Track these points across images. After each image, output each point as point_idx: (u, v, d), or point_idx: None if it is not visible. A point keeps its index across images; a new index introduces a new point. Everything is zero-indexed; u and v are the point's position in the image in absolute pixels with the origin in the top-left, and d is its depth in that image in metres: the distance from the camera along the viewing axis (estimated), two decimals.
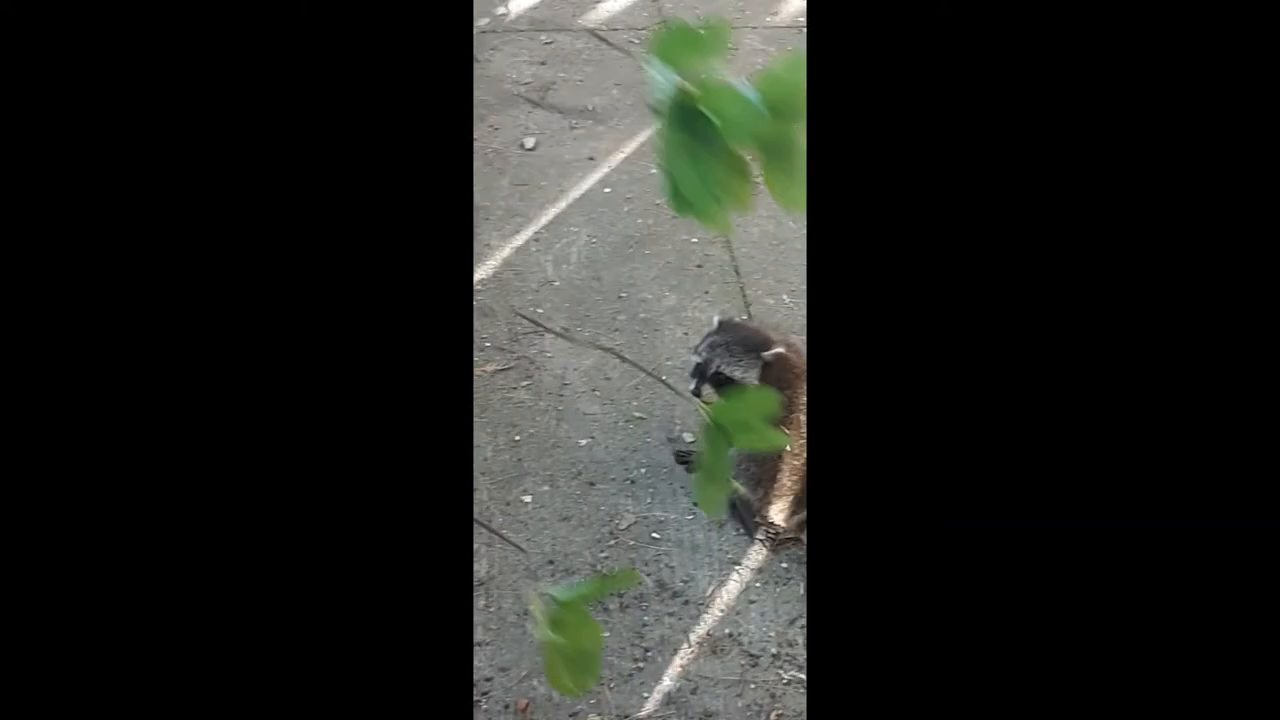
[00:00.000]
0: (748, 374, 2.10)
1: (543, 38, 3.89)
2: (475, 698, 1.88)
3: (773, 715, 1.87)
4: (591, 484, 2.30)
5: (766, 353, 2.08)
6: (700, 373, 2.15)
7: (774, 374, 2.08)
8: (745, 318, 2.65)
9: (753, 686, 1.91)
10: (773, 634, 2.00)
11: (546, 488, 2.29)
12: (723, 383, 2.13)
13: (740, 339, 2.13)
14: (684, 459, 2.34)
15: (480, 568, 2.11)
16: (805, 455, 2.05)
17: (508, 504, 2.25)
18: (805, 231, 0.89)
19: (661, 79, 0.77)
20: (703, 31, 0.77)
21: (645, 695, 1.90)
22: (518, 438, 2.40)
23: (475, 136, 3.37)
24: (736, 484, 2.14)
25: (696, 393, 2.17)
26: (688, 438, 2.40)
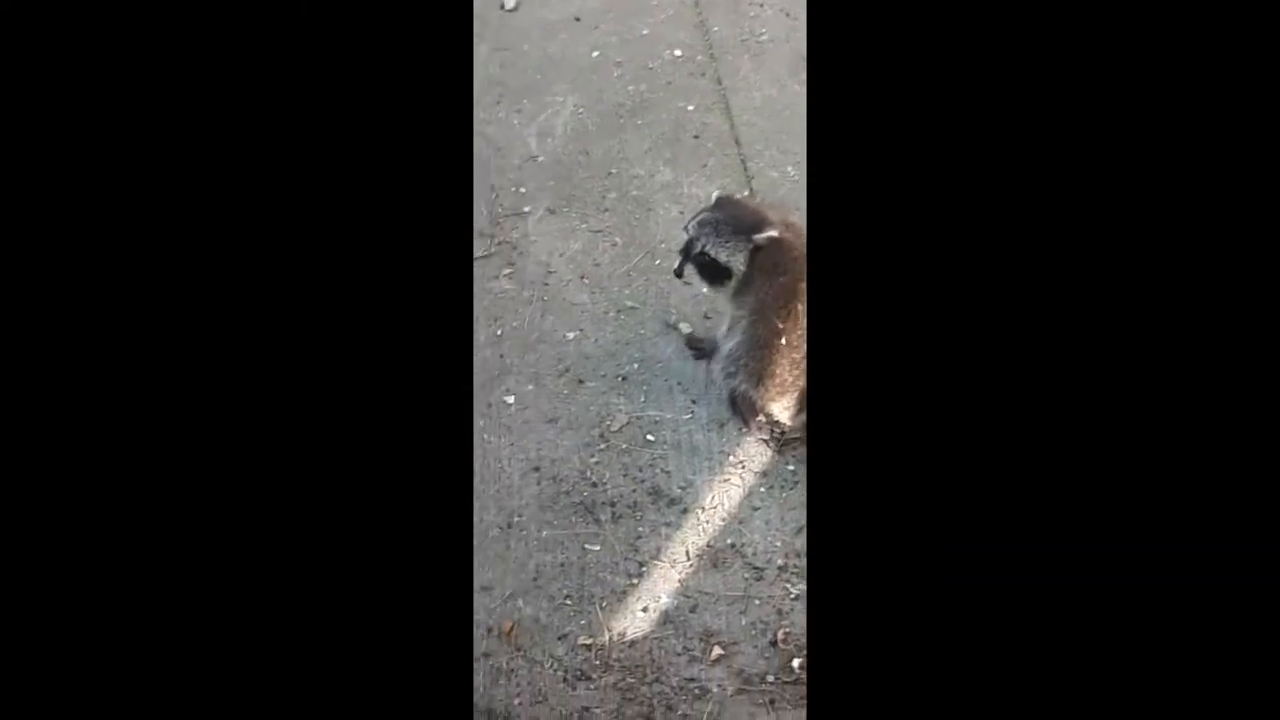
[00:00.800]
0: (734, 258, 1.89)
1: None
2: None
3: (779, 632, 1.71)
4: (580, 381, 2.11)
5: (759, 235, 1.86)
6: (686, 251, 1.94)
7: (766, 259, 1.87)
8: (747, 194, 2.42)
9: (757, 602, 1.75)
10: (778, 544, 1.83)
11: (531, 387, 2.10)
12: (707, 265, 1.92)
13: (732, 218, 1.91)
14: (696, 345, 2.15)
15: None
16: (806, 348, 1.85)
17: (489, 405, 2.06)
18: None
19: None
20: None
21: (640, 613, 1.74)
22: (499, 332, 2.20)
23: None
24: (735, 380, 1.96)
25: (679, 273, 1.97)
26: (685, 328, 2.19)
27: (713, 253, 1.91)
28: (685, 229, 1.96)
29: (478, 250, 2.37)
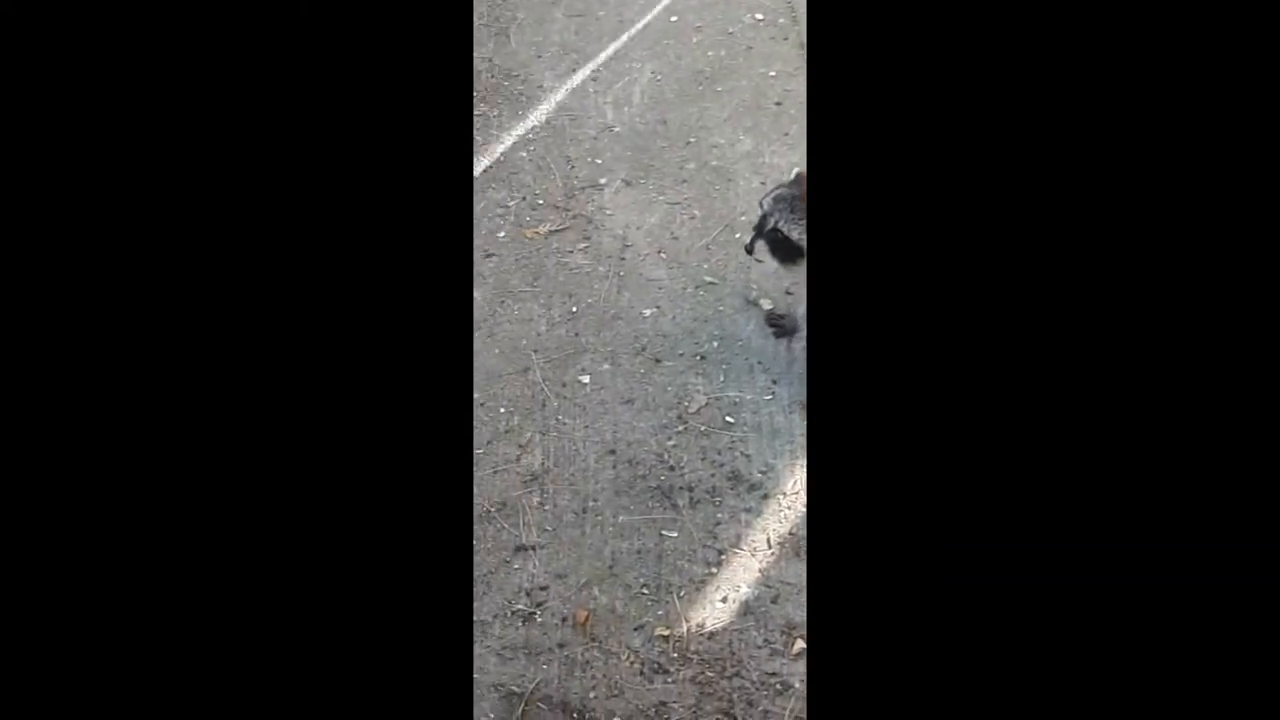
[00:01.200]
0: (806, 237, 1.81)
1: None
2: (529, 609, 1.68)
3: None
4: (657, 361, 2.04)
5: None
6: (759, 228, 1.86)
7: None
8: None
9: None
10: None
11: (607, 366, 2.04)
12: (780, 243, 1.84)
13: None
14: (776, 323, 2.07)
15: (534, 460, 1.89)
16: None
17: (563, 385, 2.01)
18: None
19: None
20: None
21: (720, 604, 1.68)
22: (574, 309, 2.14)
23: None
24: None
25: (750, 249, 1.89)
26: (766, 304, 2.11)
27: (785, 230, 1.83)
28: (760, 204, 1.88)
29: (553, 224, 2.31)
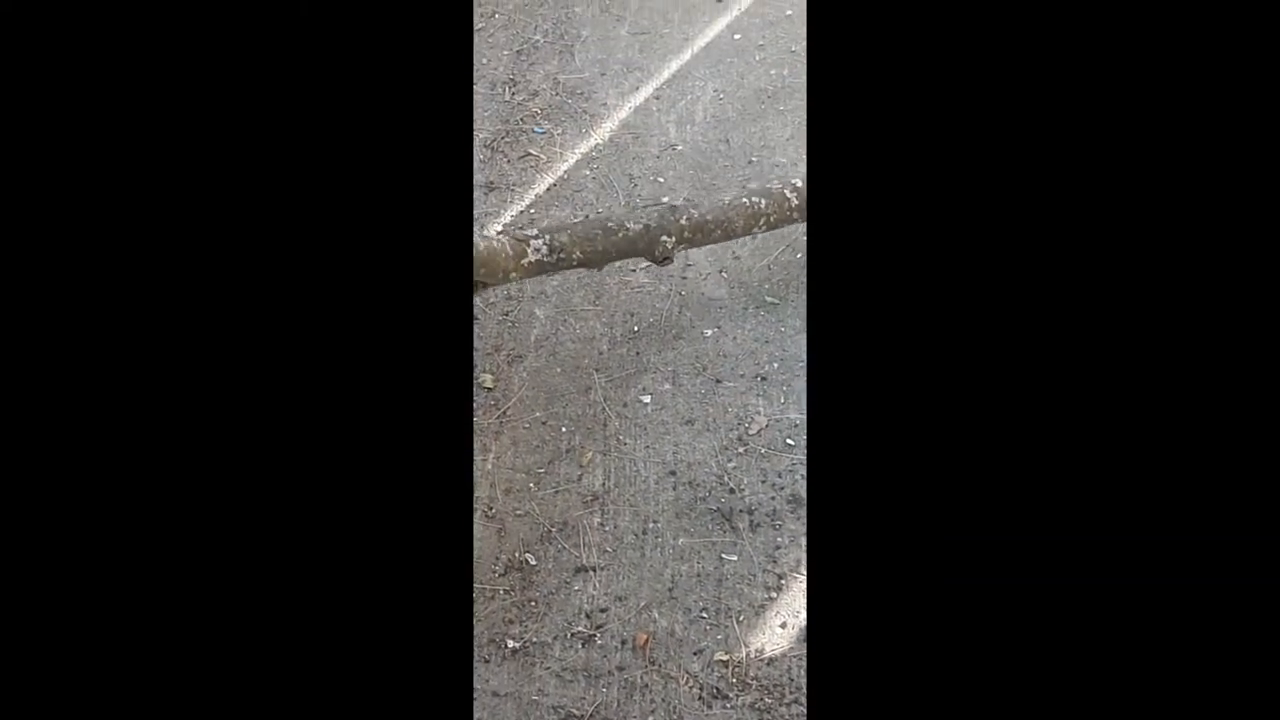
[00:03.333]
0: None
1: None
2: (590, 631, 1.69)
3: None
4: (718, 381, 2.05)
5: None
6: None
7: None
8: None
9: None
10: None
11: (668, 386, 2.05)
12: None
13: None
14: None
15: (595, 480, 1.90)
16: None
17: (624, 405, 2.02)
18: None
19: None
20: None
21: (779, 629, 1.68)
22: (636, 329, 2.15)
23: None
24: None
25: None
26: None
27: None
28: None
29: None
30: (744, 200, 1.99)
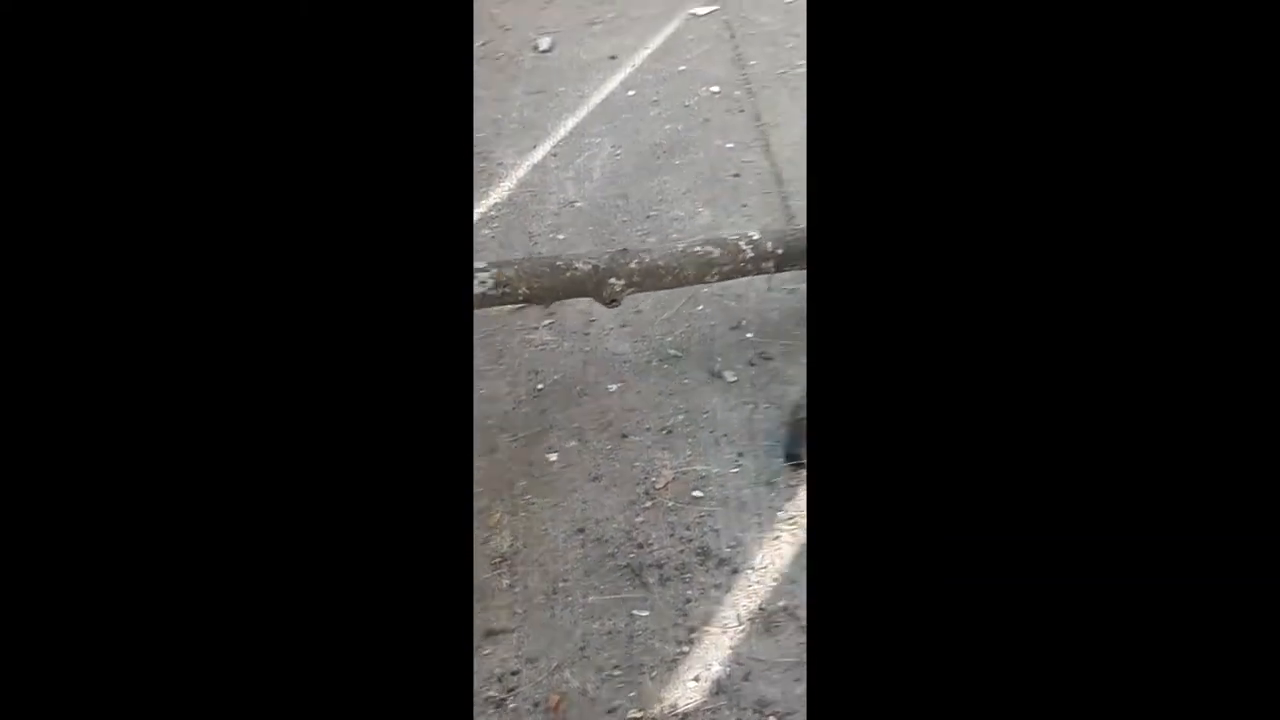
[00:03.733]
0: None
1: None
2: (501, 695, 1.67)
3: None
4: (624, 436, 2.06)
5: None
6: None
7: None
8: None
9: None
10: None
11: (574, 443, 2.05)
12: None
13: None
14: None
15: (503, 541, 1.88)
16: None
17: (531, 464, 2.01)
18: None
19: None
20: None
21: (692, 683, 1.68)
22: (540, 386, 2.16)
23: (484, 40, 3.05)
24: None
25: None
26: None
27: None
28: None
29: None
30: (697, 249, 2.01)
